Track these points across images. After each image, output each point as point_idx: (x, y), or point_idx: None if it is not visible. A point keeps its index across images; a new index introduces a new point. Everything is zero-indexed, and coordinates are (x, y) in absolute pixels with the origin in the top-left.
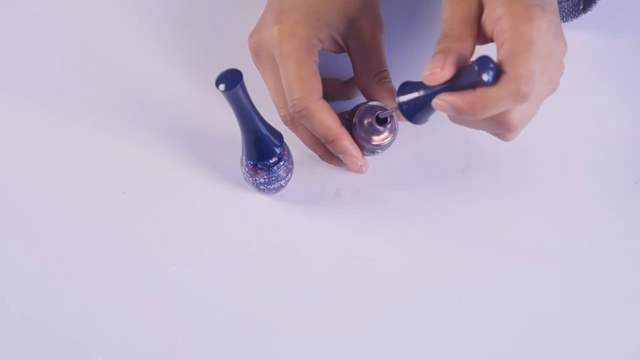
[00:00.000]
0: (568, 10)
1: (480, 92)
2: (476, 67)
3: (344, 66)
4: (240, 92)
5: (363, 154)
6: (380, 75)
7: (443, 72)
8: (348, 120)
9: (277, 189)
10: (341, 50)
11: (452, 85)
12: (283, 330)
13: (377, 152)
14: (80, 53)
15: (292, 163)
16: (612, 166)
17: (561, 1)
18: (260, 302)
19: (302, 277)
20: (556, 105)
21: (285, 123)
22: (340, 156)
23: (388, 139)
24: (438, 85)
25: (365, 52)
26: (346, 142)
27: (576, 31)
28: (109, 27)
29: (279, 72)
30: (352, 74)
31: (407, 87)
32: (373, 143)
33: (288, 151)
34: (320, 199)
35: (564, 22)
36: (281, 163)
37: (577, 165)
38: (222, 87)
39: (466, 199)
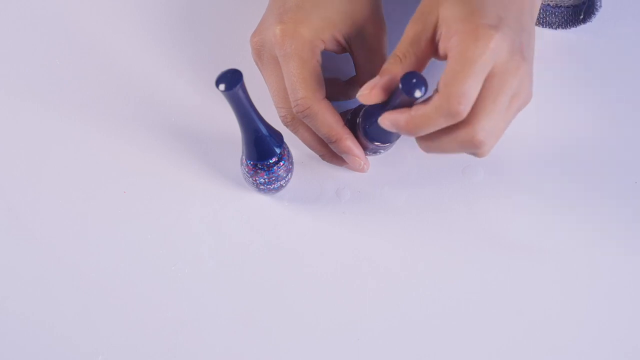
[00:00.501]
0: (567, 18)
1: (415, 110)
2: (400, 85)
3: (344, 66)
4: (240, 92)
5: (365, 154)
6: None
7: (372, 93)
8: (350, 121)
9: (277, 189)
10: (343, 50)
11: (391, 104)
12: (283, 330)
13: (380, 152)
14: (80, 53)
15: (292, 163)
16: (611, 166)
17: (560, 5)
18: (260, 302)
19: (302, 277)
20: (555, 105)
21: (286, 124)
22: (344, 156)
23: None
24: (377, 105)
25: (368, 53)
26: (349, 141)
27: (574, 31)
28: (109, 27)
29: (281, 72)
30: (352, 74)
31: (366, 111)
32: (376, 143)
33: (288, 151)
34: (320, 199)
35: (562, 29)
36: (281, 163)
37: (576, 165)
38: (222, 87)
39: (466, 198)
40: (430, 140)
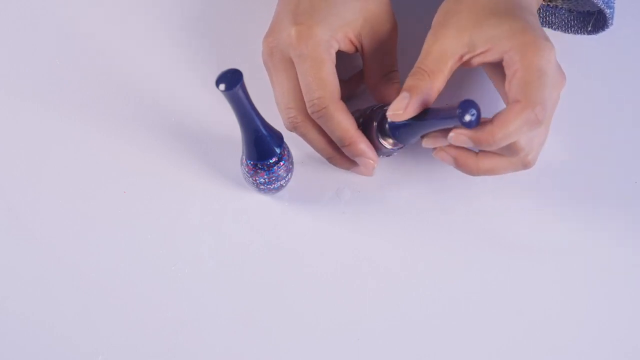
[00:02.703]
0: (572, 24)
1: (498, 122)
2: (458, 111)
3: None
4: (240, 92)
5: (378, 156)
6: (390, 75)
7: (405, 114)
8: (364, 123)
9: (277, 189)
10: (355, 50)
11: (429, 119)
12: (283, 330)
13: (393, 154)
14: (80, 53)
15: (292, 163)
16: (611, 166)
17: (561, 7)
18: (260, 302)
19: (302, 277)
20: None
21: (294, 125)
22: (356, 159)
23: None
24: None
25: (378, 52)
26: (363, 145)
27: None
28: (109, 27)
29: (293, 73)
30: (348, 75)
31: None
32: (392, 147)
33: (288, 151)
34: (320, 199)
35: (566, 32)
36: (281, 163)
37: (576, 165)
38: (222, 87)
39: (466, 198)
40: (484, 158)
